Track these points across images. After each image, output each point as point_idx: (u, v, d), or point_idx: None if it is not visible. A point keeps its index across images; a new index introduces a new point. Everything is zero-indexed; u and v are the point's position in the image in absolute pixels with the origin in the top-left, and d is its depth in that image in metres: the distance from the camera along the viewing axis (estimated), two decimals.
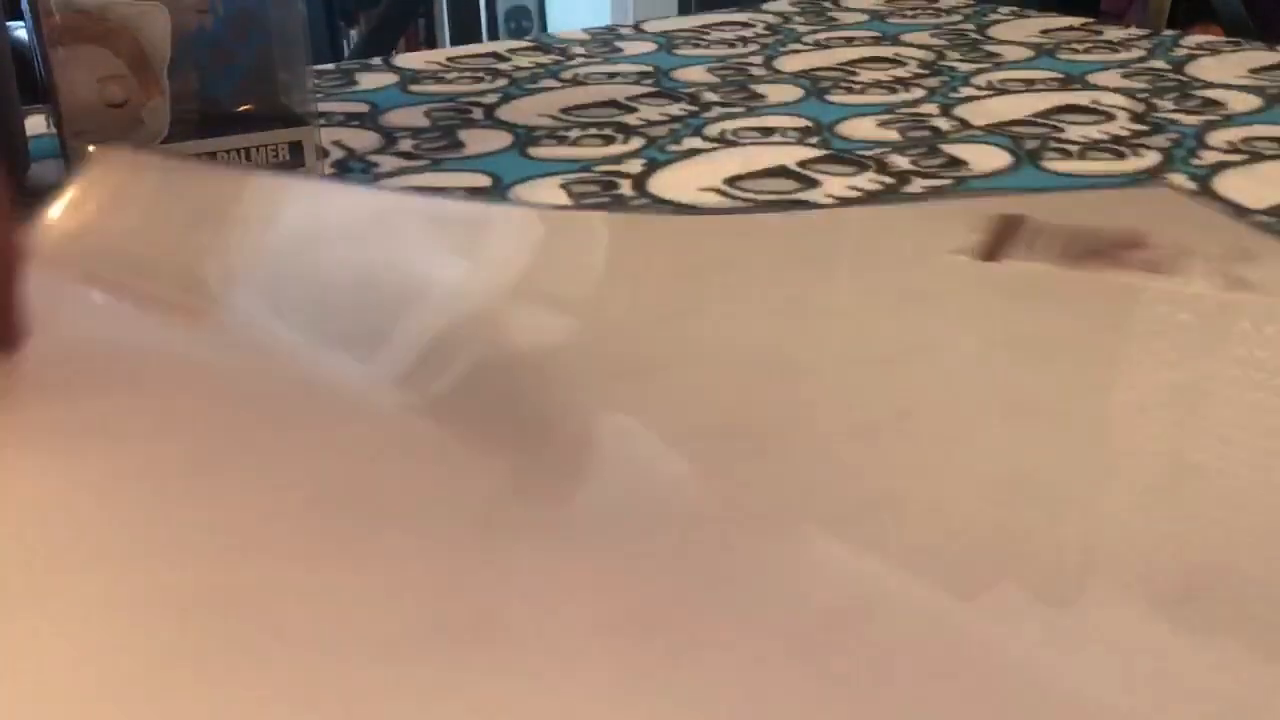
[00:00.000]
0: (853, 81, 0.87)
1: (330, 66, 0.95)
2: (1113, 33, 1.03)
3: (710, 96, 0.83)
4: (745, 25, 1.10)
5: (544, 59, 0.97)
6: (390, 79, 0.90)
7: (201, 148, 0.61)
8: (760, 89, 0.85)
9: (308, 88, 0.62)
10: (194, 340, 0.43)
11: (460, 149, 0.72)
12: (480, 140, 0.74)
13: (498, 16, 2.74)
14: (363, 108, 0.82)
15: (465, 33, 2.16)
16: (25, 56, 0.68)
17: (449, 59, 0.97)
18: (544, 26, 2.84)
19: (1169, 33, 1.04)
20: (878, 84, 0.86)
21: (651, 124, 0.77)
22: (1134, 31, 1.03)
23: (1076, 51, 0.96)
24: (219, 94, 0.60)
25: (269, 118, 0.62)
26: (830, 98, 0.82)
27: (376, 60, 0.97)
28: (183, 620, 0.28)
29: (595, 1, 2.74)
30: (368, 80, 0.90)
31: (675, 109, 0.80)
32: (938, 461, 0.36)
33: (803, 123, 0.76)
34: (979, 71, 0.89)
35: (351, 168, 0.68)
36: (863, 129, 0.74)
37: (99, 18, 0.56)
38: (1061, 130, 0.73)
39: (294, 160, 0.63)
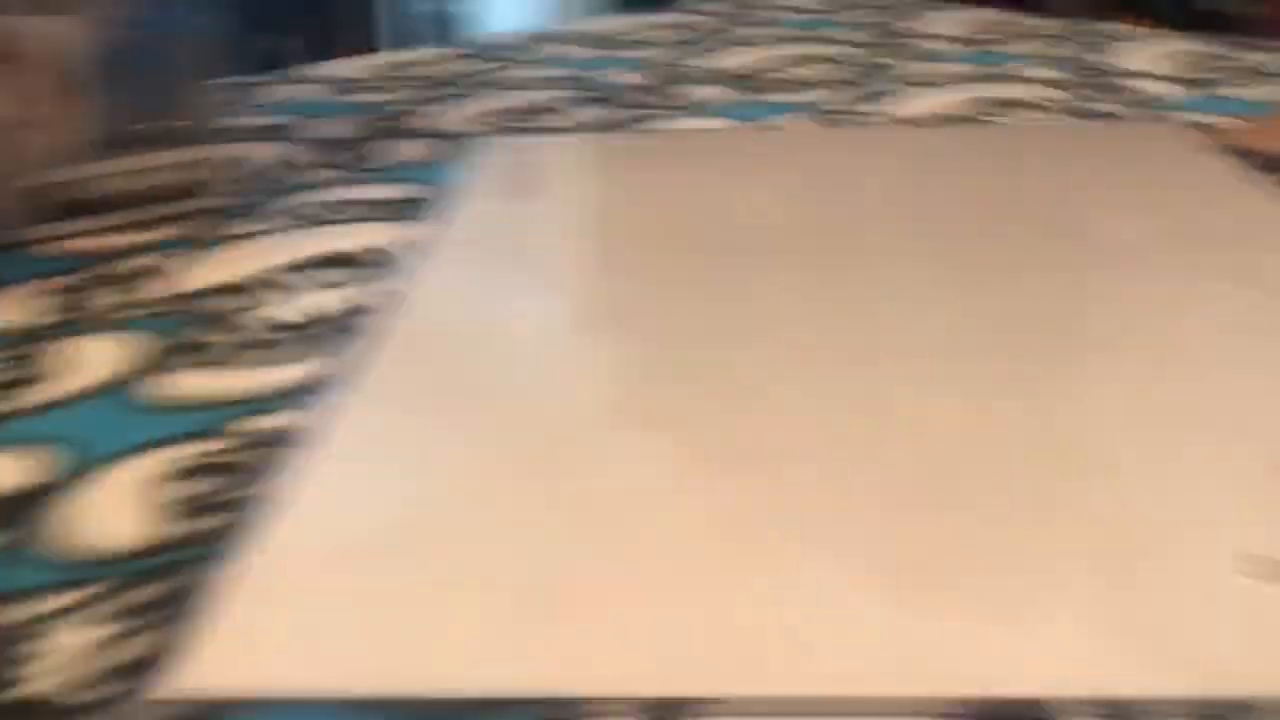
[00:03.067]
0: (784, 80, 0.87)
1: (255, 79, 0.93)
2: (1035, 23, 1.04)
3: (642, 98, 0.83)
4: (677, 27, 1.09)
5: (474, 66, 0.96)
6: (318, 89, 0.89)
7: (106, 168, 0.59)
8: (691, 89, 0.85)
9: (223, 103, 0.61)
10: None
11: (388, 158, 0.71)
12: (410, 149, 0.73)
13: (426, 23, 2.73)
14: (288, 119, 0.81)
15: (396, 40, 2.14)
16: None
17: (378, 67, 0.96)
18: (473, 32, 2.83)
19: (1091, 23, 1.05)
20: (808, 83, 0.86)
21: (582, 127, 0.76)
22: (1056, 21, 1.04)
23: (1003, 43, 0.96)
24: (127, 113, 0.59)
25: (178, 136, 0.60)
26: (762, 96, 0.82)
27: (304, 70, 0.96)
28: None
29: (527, 4, 2.73)
30: (294, 91, 0.89)
31: (605, 111, 0.79)
32: None
33: (734, 123, 0.76)
34: (909, 65, 0.89)
35: (279, 180, 0.67)
36: None
37: None
38: (992, 123, 0.73)
39: (208, 176, 0.61)
